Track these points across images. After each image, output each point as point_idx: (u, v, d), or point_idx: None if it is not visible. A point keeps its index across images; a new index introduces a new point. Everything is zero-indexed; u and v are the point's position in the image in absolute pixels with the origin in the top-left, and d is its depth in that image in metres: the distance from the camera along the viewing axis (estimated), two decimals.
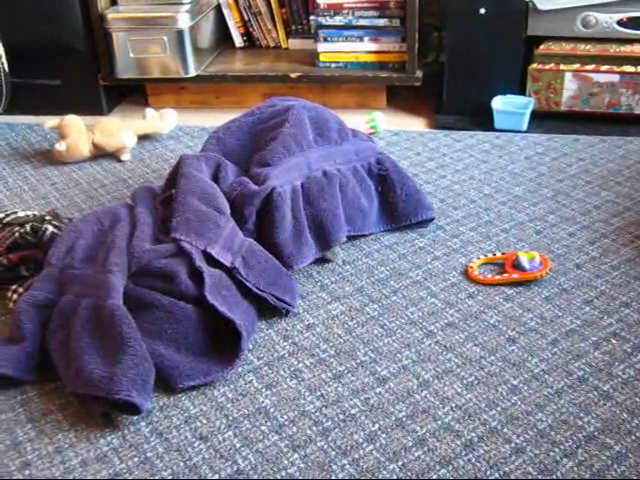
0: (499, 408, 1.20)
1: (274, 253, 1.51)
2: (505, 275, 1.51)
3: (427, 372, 1.28)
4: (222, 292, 1.36)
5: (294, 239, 1.54)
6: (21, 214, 1.65)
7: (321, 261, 1.60)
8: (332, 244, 1.57)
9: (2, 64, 2.28)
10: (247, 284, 1.41)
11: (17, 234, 1.56)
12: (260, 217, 1.56)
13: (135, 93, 2.61)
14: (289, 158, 1.64)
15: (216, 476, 1.11)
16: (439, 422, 1.18)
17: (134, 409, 1.19)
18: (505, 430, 1.16)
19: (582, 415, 1.18)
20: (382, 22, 2.35)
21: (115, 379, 1.18)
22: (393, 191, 1.69)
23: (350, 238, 1.65)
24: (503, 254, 1.58)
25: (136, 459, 1.14)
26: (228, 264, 1.42)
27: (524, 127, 2.19)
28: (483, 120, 2.23)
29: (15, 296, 1.48)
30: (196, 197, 1.50)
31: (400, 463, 1.11)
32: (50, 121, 2.15)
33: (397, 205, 1.69)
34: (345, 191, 1.63)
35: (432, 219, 1.71)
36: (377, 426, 1.18)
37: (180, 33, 2.34)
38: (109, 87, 2.49)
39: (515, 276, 1.50)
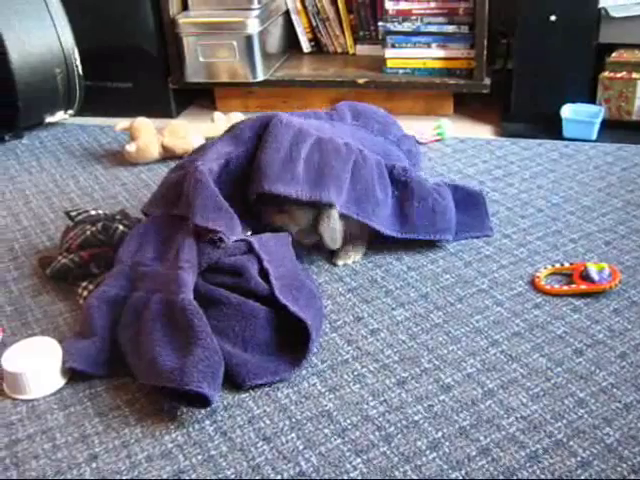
0: (565, 421, 1.18)
1: (257, 169, 1.53)
2: (573, 286, 1.49)
3: (492, 381, 1.27)
4: (293, 292, 1.37)
5: (281, 166, 1.52)
6: (92, 213, 1.69)
7: (386, 267, 1.60)
8: (319, 196, 1.51)
9: (77, 67, 2.34)
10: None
11: (88, 232, 1.60)
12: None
13: (203, 97, 2.65)
14: (314, 119, 1.69)
15: (278, 477, 1.11)
16: (503, 432, 1.17)
17: (204, 401, 1.21)
18: (571, 443, 1.14)
19: None
20: (451, 28, 2.34)
21: (186, 370, 1.19)
22: (410, 201, 1.62)
23: (415, 245, 1.65)
24: (571, 264, 1.55)
25: (200, 457, 1.16)
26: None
27: (594, 136, 2.16)
28: (552, 129, 2.20)
29: (85, 293, 1.51)
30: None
31: (463, 472, 1.10)
32: (121, 123, 2.20)
33: (411, 216, 1.62)
34: (359, 171, 1.58)
35: (447, 240, 1.65)
36: (440, 434, 1.17)
37: (249, 38, 2.37)
38: (178, 90, 2.54)
39: (583, 287, 1.47)
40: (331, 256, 1.64)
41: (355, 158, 1.59)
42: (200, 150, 1.67)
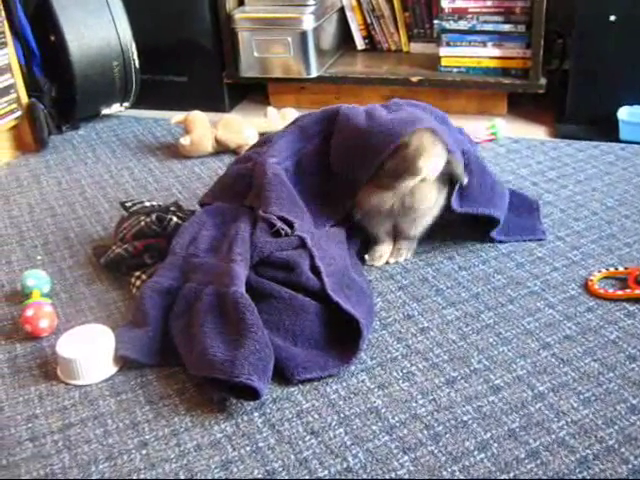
0: (617, 427, 1.16)
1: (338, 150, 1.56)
2: (627, 290, 1.46)
3: (542, 384, 1.26)
4: (345, 290, 1.38)
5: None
6: (147, 204, 1.71)
7: (437, 266, 1.59)
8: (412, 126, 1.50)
9: (134, 61, 2.38)
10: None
11: (143, 223, 1.62)
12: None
13: (257, 92, 2.66)
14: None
15: (325, 472, 1.12)
16: (553, 436, 1.15)
17: (253, 394, 1.22)
18: (622, 450, 1.12)
19: None
20: (507, 27, 2.31)
21: (237, 362, 1.20)
22: (470, 178, 1.58)
23: (467, 245, 1.64)
24: (626, 269, 1.53)
25: (248, 448, 1.17)
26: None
27: None
28: (608, 131, 2.17)
29: (139, 282, 1.54)
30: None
31: (512, 474, 1.09)
32: (176, 116, 2.22)
33: (472, 191, 1.59)
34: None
35: (498, 221, 1.63)
36: (489, 435, 1.16)
37: (304, 34, 2.38)
38: (232, 85, 2.56)
39: (638, 292, 1.45)
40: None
41: (434, 118, 1.59)
42: (266, 143, 1.69)
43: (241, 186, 1.61)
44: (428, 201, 1.53)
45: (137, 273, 1.56)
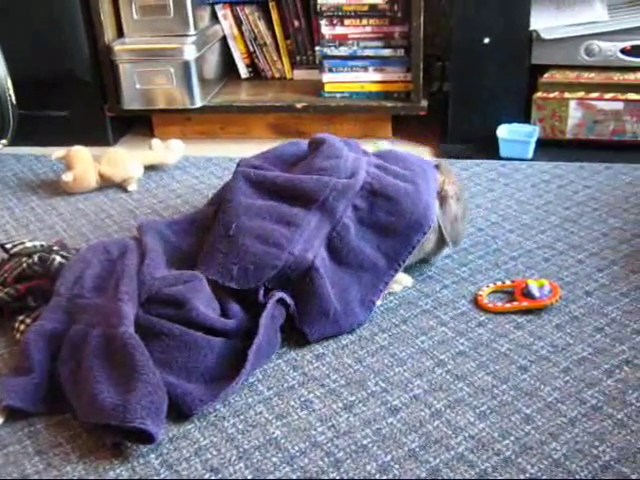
0: (512, 437, 1.19)
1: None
2: (515, 303, 1.50)
3: (439, 402, 1.27)
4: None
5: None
6: (28, 244, 1.64)
7: None
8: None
9: (10, 96, 2.29)
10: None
11: (25, 264, 1.55)
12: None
13: (141, 124, 2.62)
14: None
15: None
16: (452, 452, 1.17)
17: (147, 438, 1.18)
18: (519, 460, 1.15)
19: (597, 444, 1.17)
20: (387, 52, 2.36)
21: (129, 407, 1.17)
22: None
23: None
24: (512, 282, 1.57)
25: None
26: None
27: (530, 155, 2.20)
28: (488, 149, 2.24)
29: (22, 327, 1.47)
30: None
31: None
32: (57, 152, 2.15)
33: None
34: None
35: None
36: (390, 457, 1.16)
37: (186, 64, 2.36)
38: (115, 118, 2.51)
39: (525, 304, 1.49)
40: None
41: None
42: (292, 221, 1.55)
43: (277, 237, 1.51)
44: None
45: (20, 317, 1.49)
